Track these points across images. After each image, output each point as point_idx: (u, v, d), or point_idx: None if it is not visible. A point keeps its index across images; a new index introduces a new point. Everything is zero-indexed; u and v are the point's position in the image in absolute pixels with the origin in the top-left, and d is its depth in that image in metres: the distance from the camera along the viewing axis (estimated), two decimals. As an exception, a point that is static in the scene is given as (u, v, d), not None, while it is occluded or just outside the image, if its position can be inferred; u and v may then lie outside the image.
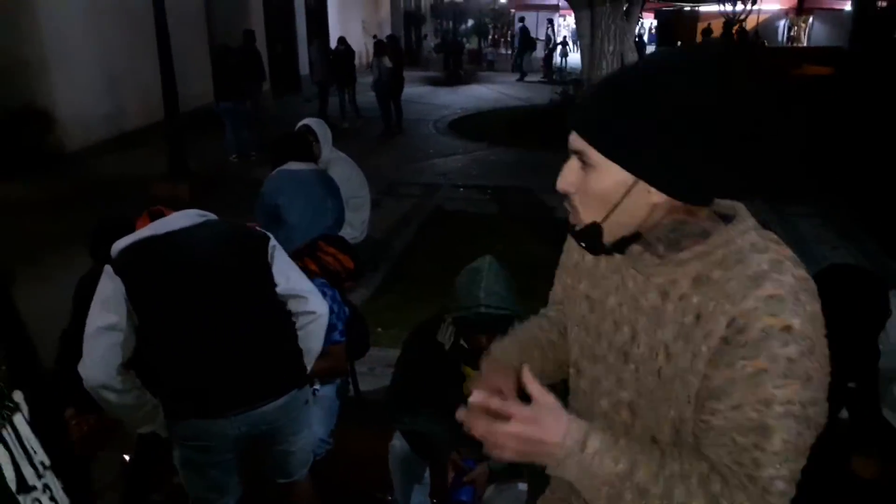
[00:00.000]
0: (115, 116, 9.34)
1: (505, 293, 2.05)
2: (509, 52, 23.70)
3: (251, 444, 2.04)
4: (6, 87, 7.81)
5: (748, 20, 24.80)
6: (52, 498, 1.13)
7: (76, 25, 8.60)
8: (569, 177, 0.98)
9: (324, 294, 2.61)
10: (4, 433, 1.05)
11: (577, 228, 1.00)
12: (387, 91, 10.88)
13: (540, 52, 20.51)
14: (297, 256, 4.01)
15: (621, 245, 0.99)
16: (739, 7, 23.47)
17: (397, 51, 11.55)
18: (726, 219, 0.99)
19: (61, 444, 1.22)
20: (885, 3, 19.75)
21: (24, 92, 8.04)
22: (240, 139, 8.86)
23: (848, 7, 24.62)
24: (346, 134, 9.99)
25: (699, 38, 25.33)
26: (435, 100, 14.57)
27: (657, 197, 0.93)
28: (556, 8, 26.47)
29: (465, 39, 21.87)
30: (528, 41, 19.30)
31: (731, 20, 23.13)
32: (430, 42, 25.44)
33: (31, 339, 1.21)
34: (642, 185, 0.92)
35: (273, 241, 2.07)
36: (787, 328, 0.87)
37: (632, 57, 4.39)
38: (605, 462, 0.90)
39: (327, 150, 4.31)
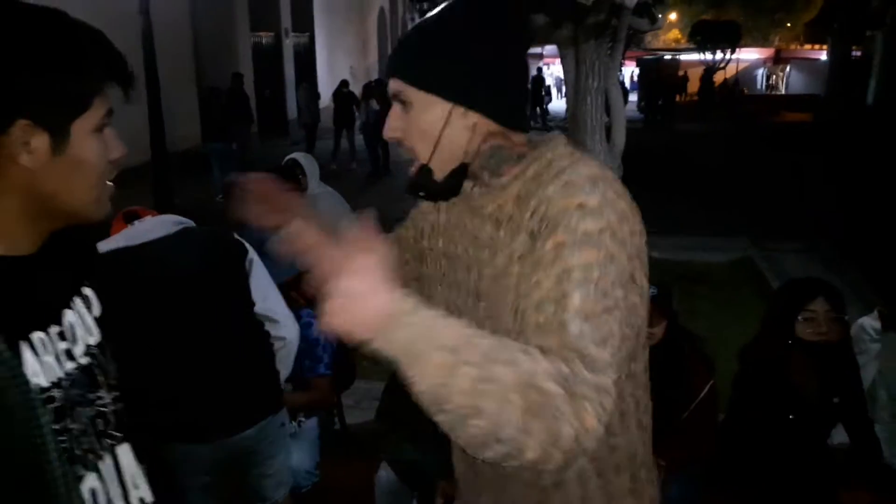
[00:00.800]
0: (101, 157, 9.36)
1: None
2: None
3: (228, 466, 1.96)
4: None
5: (728, 69, 25.60)
6: None
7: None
8: (392, 122, 1.01)
9: (310, 325, 2.56)
10: (101, 465, 0.95)
11: (409, 180, 1.04)
12: (375, 133, 11.02)
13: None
14: (283, 289, 3.98)
15: (452, 180, 1.02)
16: (719, 56, 24.25)
17: (385, 94, 11.73)
18: (542, 144, 1.04)
19: (166, 483, 1.14)
20: (859, 53, 20.49)
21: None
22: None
23: (823, 56, 25.49)
24: (335, 174, 10.05)
25: (680, 89, 26.07)
26: (422, 142, 14.76)
27: (473, 117, 0.98)
28: (539, 56, 27.24)
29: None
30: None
31: (710, 68, 23.85)
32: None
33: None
34: (458, 110, 0.97)
35: (251, 255, 1.97)
36: (581, 205, 0.91)
37: (615, 93, 4.47)
38: (441, 325, 0.79)
39: (314, 184, 4.32)
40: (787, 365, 2.16)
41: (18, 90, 0.79)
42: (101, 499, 0.94)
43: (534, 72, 22.18)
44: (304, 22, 17.33)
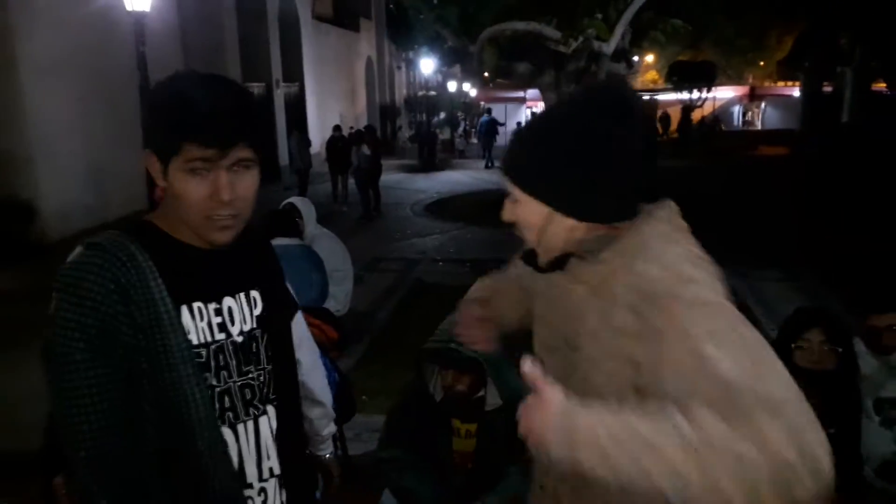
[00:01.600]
0: (97, 207, 9.50)
1: None
2: (479, 142, 24.70)
3: None
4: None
5: (705, 106, 26.32)
6: (264, 502, 1.24)
7: (61, 118, 8.89)
8: (506, 211, 1.14)
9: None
10: (240, 428, 1.19)
11: (523, 252, 1.17)
12: (366, 177, 11.26)
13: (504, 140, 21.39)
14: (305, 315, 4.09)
15: (554, 266, 1.12)
16: (696, 94, 24.96)
17: (375, 139, 12.08)
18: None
19: (299, 464, 1.33)
20: (830, 88, 21.19)
21: (7, 183, 8.20)
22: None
23: (797, 92, 26.29)
24: (328, 217, 10.22)
25: (658, 126, 26.73)
26: (411, 185, 15.03)
27: (571, 221, 1.06)
28: (522, 100, 27.90)
29: (438, 130, 22.76)
30: (493, 130, 20.00)
31: (688, 106, 24.51)
32: (405, 133, 26.43)
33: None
34: (558, 214, 1.06)
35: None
36: (687, 279, 0.99)
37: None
38: (616, 422, 0.89)
39: (311, 227, 4.50)
40: None
41: (146, 126, 1.14)
42: (233, 455, 1.18)
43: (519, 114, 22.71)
44: (294, 72, 17.79)
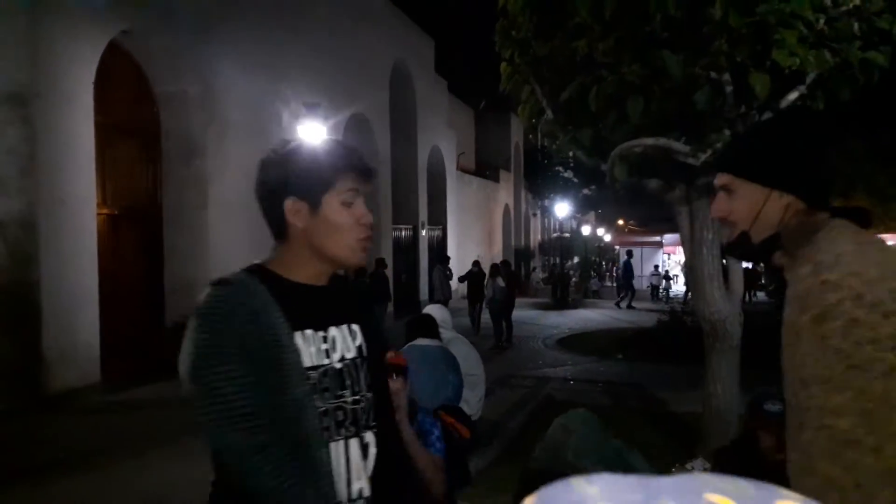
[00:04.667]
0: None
1: (596, 456, 1.89)
2: (614, 284, 24.64)
3: None
4: (179, 307, 8.98)
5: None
6: None
7: (235, 249, 10.15)
8: (719, 205, 1.32)
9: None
10: (332, 446, 1.28)
11: (726, 243, 1.35)
12: (500, 308, 11.66)
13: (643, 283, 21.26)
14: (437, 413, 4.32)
15: (765, 245, 1.28)
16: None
17: (509, 272, 12.65)
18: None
19: (392, 489, 1.39)
20: None
21: (190, 307, 9.28)
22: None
23: None
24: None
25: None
26: (544, 321, 15.22)
27: (788, 198, 1.25)
28: (659, 244, 27.71)
29: (571, 273, 23.09)
30: (629, 274, 20.03)
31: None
32: (539, 274, 26.96)
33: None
34: (776, 193, 1.25)
35: None
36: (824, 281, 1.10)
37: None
38: None
39: (447, 332, 4.84)
40: None
41: (284, 182, 1.32)
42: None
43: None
44: (438, 216, 19.37)
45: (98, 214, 7.76)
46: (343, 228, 1.32)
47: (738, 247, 1.31)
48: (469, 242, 21.77)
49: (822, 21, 3.77)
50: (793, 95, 3.99)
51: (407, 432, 2.13)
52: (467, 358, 4.81)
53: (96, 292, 7.43)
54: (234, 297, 1.24)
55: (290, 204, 1.30)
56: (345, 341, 1.35)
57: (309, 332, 1.29)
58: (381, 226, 14.97)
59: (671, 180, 4.52)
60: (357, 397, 1.33)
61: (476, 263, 13.53)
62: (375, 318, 1.53)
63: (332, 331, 1.34)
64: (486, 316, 12.22)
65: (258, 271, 1.32)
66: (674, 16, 3.54)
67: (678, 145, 3.92)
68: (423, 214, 18.02)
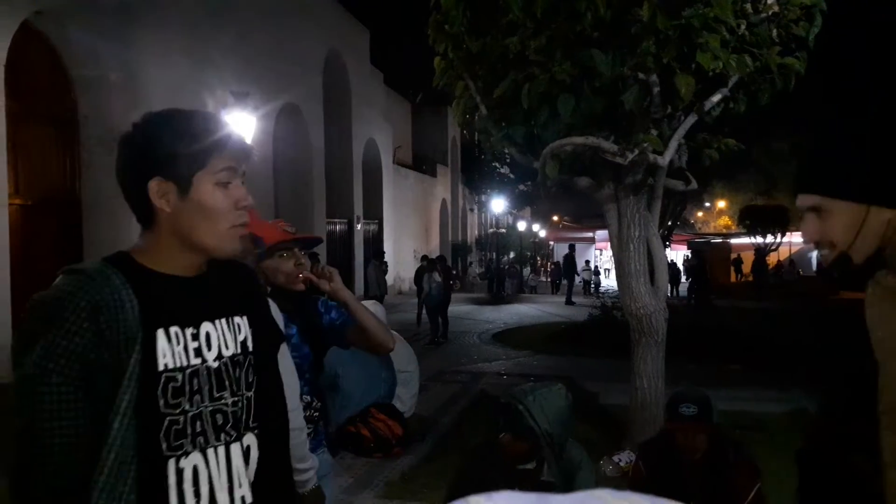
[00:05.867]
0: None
1: (551, 416, 2.23)
2: (548, 279, 25.18)
3: None
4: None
5: (780, 251, 26.02)
6: None
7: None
8: (809, 229, 1.22)
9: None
10: (210, 453, 1.17)
11: (827, 265, 1.23)
12: (435, 304, 11.67)
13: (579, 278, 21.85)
14: (350, 422, 4.29)
15: (869, 262, 1.19)
16: (770, 238, 24.80)
17: (445, 267, 12.66)
18: None
19: (276, 494, 1.31)
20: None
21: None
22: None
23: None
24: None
25: (731, 270, 26.45)
26: (480, 316, 15.30)
27: (888, 213, 1.15)
28: (591, 240, 28.47)
29: (507, 268, 23.42)
30: (571, 267, 20.51)
31: (761, 250, 24.29)
32: (475, 269, 27.22)
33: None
34: (874, 209, 1.15)
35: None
36: None
37: (656, 242, 4.88)
38: None
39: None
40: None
41: (149, 159, 1.16)
42: (203, 479, 1.16)
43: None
44: (374, 211, 19.18)
45: (10, 205, 7.32)
46: (217, 213, 1.18)
47: (839, 267, 1.22)
48: (406, 237, 21.69)
49: (743, 26, 3.93)
50: (716, 97, 4.15)
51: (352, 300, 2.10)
52: (400, 355, 4.78)
53: (8, 289, 7.02)
54: (81, 290, 1.08)
55: (154, 185, 1.16)
56: (222, 337, 1.21)
57: (175, 329, 1.15)
58: (315, 220, 14.71)
59: (601, 178, 4.62)
60: (236, 398, 1.22)
61: (425, 258, 13.51)
62: (265, 306, 1.39)
63: (206, 326, 1.20)
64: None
65: (120, 261, 1.16)
66: (603, 16, 3.60)
67: (607, 144, 4.00)
68: (359, 208, 17.83)
